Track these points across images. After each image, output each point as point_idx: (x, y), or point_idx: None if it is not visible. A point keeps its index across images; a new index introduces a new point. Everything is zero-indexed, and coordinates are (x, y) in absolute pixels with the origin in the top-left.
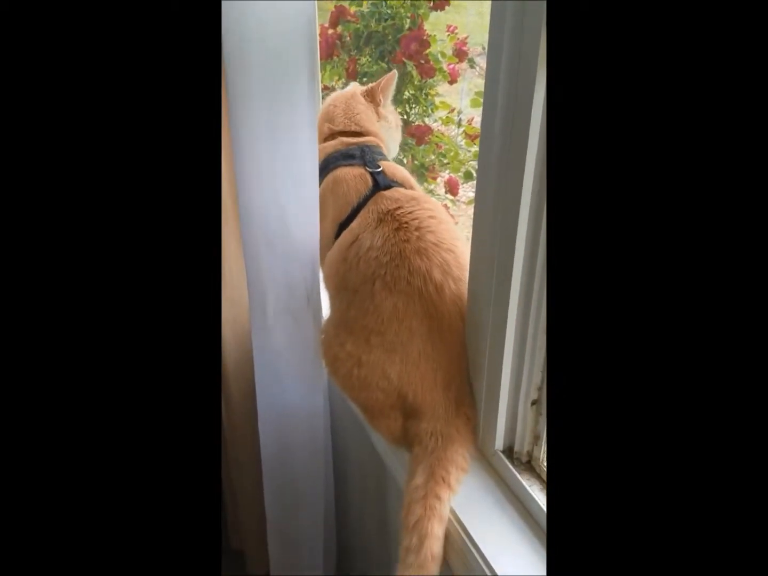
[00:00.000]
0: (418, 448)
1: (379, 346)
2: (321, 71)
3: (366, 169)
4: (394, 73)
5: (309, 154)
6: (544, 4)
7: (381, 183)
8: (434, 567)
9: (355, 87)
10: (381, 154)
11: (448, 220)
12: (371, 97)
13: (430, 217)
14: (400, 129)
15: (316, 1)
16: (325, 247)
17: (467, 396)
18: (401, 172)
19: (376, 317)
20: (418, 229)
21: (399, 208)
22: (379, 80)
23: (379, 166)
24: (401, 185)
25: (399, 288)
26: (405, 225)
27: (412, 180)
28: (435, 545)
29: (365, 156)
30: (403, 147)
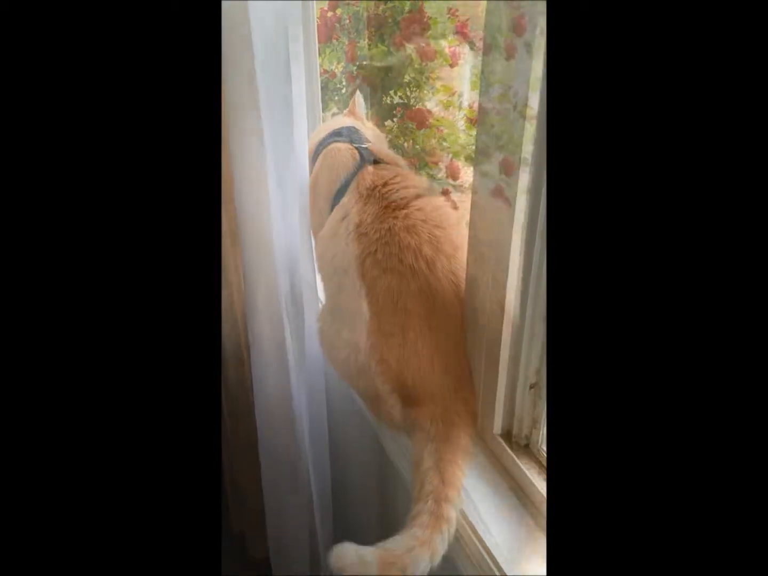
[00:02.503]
0: (420, 433)
1: (375, 330)
2: (320, 55)
3: (352, 144)
4: (359, 95)
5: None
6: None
7: (366, 157)
8: (446, 528)
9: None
10: (366, 139)
11: (436, 196)
12: (354, 116)
13: (417, 195)
14: (385, 141)
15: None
16: (318, 225)
17: (466, 380)
18: (387, 150)
19: (371, 299)
20: (405, 207)
21: (385, 184)
22: (349, 106)
23: (364, 143)
24: (386, 162)
25: (391, 266)
26: (393, 202)
27: (399, 159)
28: (451, 512)
29: (351, 135)
30: (404, 131)
